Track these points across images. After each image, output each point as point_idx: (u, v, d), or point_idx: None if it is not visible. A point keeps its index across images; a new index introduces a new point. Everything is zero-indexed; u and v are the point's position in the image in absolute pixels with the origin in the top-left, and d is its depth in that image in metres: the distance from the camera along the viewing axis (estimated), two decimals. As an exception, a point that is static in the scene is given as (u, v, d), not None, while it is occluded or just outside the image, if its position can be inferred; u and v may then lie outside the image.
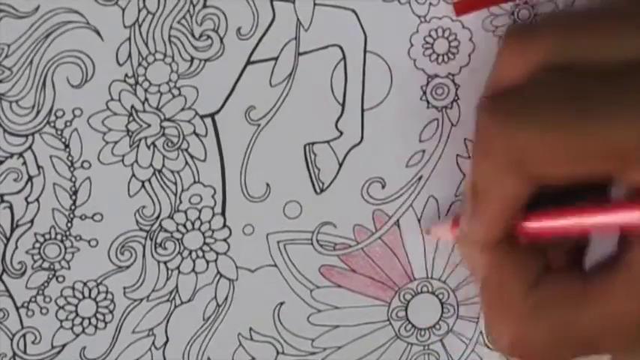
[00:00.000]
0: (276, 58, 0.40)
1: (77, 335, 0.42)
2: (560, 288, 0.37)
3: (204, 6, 0.39)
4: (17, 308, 0.40)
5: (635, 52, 0.35)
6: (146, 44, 0.39)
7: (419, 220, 0.43)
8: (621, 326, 0.36)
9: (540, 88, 0.35)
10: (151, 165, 0.40)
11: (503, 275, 0.38)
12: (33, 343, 0.41)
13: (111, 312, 0.42)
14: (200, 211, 0.41)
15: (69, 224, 0.40)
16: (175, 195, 0.41)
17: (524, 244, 0.38)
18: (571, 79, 0.35)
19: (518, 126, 0.34)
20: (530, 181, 0.36)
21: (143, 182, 0.41)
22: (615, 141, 0.33)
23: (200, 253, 0.42)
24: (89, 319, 0.42)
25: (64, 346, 0.42)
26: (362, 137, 0.42)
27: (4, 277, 0.40)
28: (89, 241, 0.41)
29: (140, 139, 0.40)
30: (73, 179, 0.40)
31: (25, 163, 0.39)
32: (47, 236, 0.40)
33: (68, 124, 0.39)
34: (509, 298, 0.38)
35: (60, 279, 0.41)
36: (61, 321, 0.41)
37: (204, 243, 0.42)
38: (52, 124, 0.39)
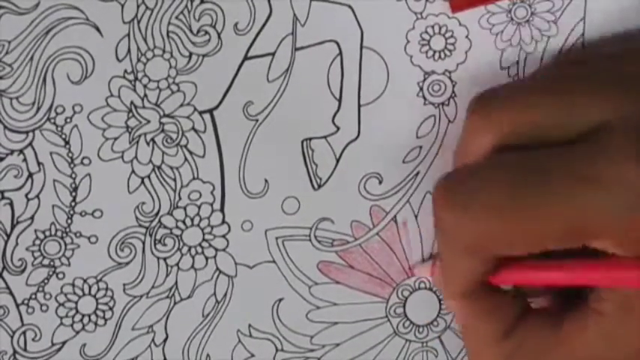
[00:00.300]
0: (273, 54, 0.40)
1: (77, 332, 0.42)
2: (534, 336, 0.38)
3: (202, 1, 0.39)
4: (17, 305, 0.40)
5: (587, 119, 0.35)
6: (145, 40, 0.39)
7: (416, 217, 0.44)
8: None
9: (492, 169, 0.36)
10: (150, 161, 0.40)
11: (478, 323, 0.39)
12: (33, 340, 0.41)
13: (111, 309, 0.42)
14: (199, 207, 0.42)
15: (69, 221, 0.40)
16: (174, 191, 0.41)
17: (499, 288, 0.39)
18: (521, 158, 0.35)
19: (469, 215, 0.35)
20: (490, 260, 0.37)
21: (143, 178, 0.41)
22: (567, 218, 0.34)
23: (199, 250, 0.42)
24: (89, 316, 0.42)
25: (64, 343, 0.42)
26: (359, 132, 0.42)
27: (5, 274, 0.40)
28: (89, 238, 0.41)
29: (140, 136, 0.40)
30: (73, 176, 0.40)
31: (25, 159, 0.39)
32: (47, 233, 0.40)
33: (68, 120, 0.39)
34: (484, 346, 0.39)
35: (60, 276, 0.41)
36: (61, 318, 0.41)
37: (204, 239, 0.42)
38: (53, 121, 0.39)
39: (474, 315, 0.39)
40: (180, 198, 0.41)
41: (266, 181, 0.42)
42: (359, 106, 0.42)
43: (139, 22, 0.39)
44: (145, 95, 0.40)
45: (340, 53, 0.41)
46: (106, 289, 0.41)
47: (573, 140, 0.35)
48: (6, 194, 0.39)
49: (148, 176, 0.41)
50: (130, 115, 0.40)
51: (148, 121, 0.40)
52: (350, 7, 0.40)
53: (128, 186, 0.41)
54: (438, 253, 0.40)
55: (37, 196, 0.40)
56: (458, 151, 0.40)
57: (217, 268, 0.42)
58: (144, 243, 0.41)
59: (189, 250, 0.42)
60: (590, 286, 0.37)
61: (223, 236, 0.42)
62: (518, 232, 0.35)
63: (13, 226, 0.40)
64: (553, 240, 0.35)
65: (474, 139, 0.38)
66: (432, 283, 0.44)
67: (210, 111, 0.40)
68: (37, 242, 0.40)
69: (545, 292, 0.41)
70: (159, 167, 0.41)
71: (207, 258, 0.42)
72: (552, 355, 0.38)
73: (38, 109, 0.39)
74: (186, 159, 0.41)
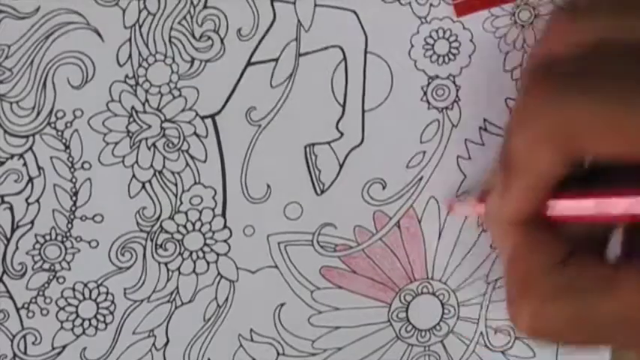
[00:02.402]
0: (276, 59, 0.40)
1: (78, 336, 0.42)
2: (585, 271, 0.36)
3: (205, 7, 0.39)
4: (18, 309, 0.40)
5: None
6: (147, 45, 0.39)
7: (419, 221, 0.44)
8: None
9: (599, 61, 0.33)
10: (151, 166, 0.40)
11: (530, 253, 0.37)
12: (33, 344, 0.41)
13: (111, 313, 0.42)
14: (200, 212, 0.41)
15: (69, 225, 0.40)
16: (176, 196, 0.41)
17: (553, 224, 0.37)
18: (629, 57, 0.32)
19: (572, 96, 0.32)
20: (570, 158, 0.34)
21: (144, 183, 0.41)
22: None
23: (200, 254, 0.42)
24: (90, 320, 0.41)
25: (64, 347, 0.41)
26: (362, 138, 0.42)
27: (5, 278, 0.40)
28: (90, 242, 0.41)
29: (141, 140, 0.40)
30: (74, 180, 0.40)
31: (25, 164, 0.39)
32: (47, 237, 0.40)
33: (69, 125, 0.39)
34: (533, 276, 0.36)
35: (60, 280, 0.41)
36: (62, 322, 0.41)
37: (205, 244, 0.42)
38: (53, 125, 0.39)
39: (526, 244, 0.37)
40: (181, 203, 0.41)
41: (268, 186, 0.42)
42: (363, 111, 0.42)
43: (140, 27, 0.39)
44: (147, 100, 0.39)
45: (344, 59, 0.41)
46: (107, 293, 0.41)
47: None
48: (6, 198, 0.39)
49: (149, 181, 0.41)
50: (131, 119, 0.40)
51: (149, 126, 0.40)
52: (354, 12, 0.40)
53: (129, 190, 0.40)
54: (504, 159, 0.36)
55: (38, 201, 0.40)
56: (537, 53, 0.37)
57: (219, 273, 0.42)
58: (145, 247, 0.41)
59: (190, 254, 0.42)
60: None
61: (225, 241, 0.42)
62: (619, 123, 0.32)
63: (13, 231, 0.40)
64: None
65: (564, 39, 0.34)
66: (479, 218, 0.43)
67: (213, 116, 0.40)
68: (38, 246, 0.40)
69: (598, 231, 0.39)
70: (160, 172, 0.40)
71: (208, 263, 0.42)
72: (602, 296, 0.36)
73: (38, 113, 0.39)
74: (187, 164, 0.41)
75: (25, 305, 0.41)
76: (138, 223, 0.41)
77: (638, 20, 0.33)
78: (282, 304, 0.43)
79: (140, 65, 0.39)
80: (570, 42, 0.34)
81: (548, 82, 0.33)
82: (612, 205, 0.35)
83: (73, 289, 0.41)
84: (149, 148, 0.40)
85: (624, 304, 0.35)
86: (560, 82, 0.32)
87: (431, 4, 0.41)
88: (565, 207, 0.36)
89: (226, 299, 0.43)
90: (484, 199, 0.40)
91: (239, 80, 0.40)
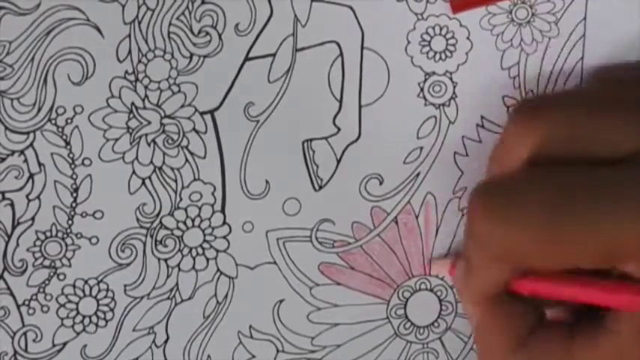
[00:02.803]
0: (273, 55, 0.40)
1: (78, 333, 0.42)
2: (547, 348, 0.38)
3: (203, 2, 0.39)
4: (18, 306, 0.41)
5: (628, 146, 0.35)
6: (146, 41, 0.39)
7: (416, 217, 0.44)
8: None
9: (532, 184, 0.35)
10: (151, 162, 0.41)
11: (494, 329, 0.39)
12: (34, 341, 0.41)
13: (111, 310, 0.42)
14: (200, 208, 0.42)
15: (70, 222, 0.40)
16: (175, 192, 0.41)
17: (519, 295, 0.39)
18: (562, 175, 0.35)
19: (505, 227, 0.35)
20: (517, 269, 0.37)
21: (143, 179, 0.41)
22: (602, 242, 0.34)
23: (200, 251, 0.42)
24: (90, 317, 0.42)
25: (65, 344, 0.42)
26: (359, 134, 0.42)
27: (5, 275, 0.40)
28: (90, 239, 0.41)
29: (140, 137, 0.40)
30: (74, 176, 0.40)
31: (26, 160, 0.39)
32: (48, 234, 0.40)
33: (69, 121, 0.39)
34: (497, 353, 0.39)
35: (61, 277, 0.41)
36: (62, 319, 0.41)
37: (204, 240, 0.42)
38: (53, 122, 0.39)
39: (491, 321, 0.39)
40: (181, 199, 0.41)
41: (267, 182, 0.42)
42: (360, 107, 0.42)
43: (139, 22, 0.39)
44: (146, 96, 0.40)
45: (341, 54, 0.41)
46: (107, 290, 0.41)
47: (612, 160, 0.35)
48: (7, 195, 0.39)
49: (149, 177, 0.41)
50: (131, 115, 0.40)
51: (149, 122, 0.40)
52: (350, 7, 0.40)
53: (129, 187, 0.41)
54: (463, 254, 0.40)
55: (38, 197, 0.40)
56: (493, 157, 0.40)
57: (218, 269, 0.42)
58: (145, 244, 0.41)
59: (190, 251, 0.42)
60: (607, 308, 0.37)
61: (224, 237, 0.42)
62: (552, 249, 0.35)
63: (14, 227, 0.40)
64: (586, 260, 0.35)
65: (511, 148, 0.38)
66: (451, 282, 0.44)
67: (211, 112, 0.41)
68: (38, 243, 0.40)
69: (562, 304, 0.41)
70: (160, 168, 0.41)
71: (208, 259, 0.42)
72: None
73: (39, 109, 0.39)
74: (187, 160, 0.41)
75: (26, 302, 0.41)
76: (138, 220, 0.41)
77: (580, 130, 0.36)
78: (281, 301, 0.43)
79: (140, 61, 0.39)
80: (519, 147, 0.37)
81: (485, 210, 0.36)
82: (560, 291, 0.38)
83: (74, 286, 0.41)
84: (149, 145, 0.40)
85: None
86: (495, 210, 0.36)
87: (427, 1, 0.41)
88: (525, 286, 0.38)
89: (226, 296, 0.43)
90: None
91: (237, 75, 0.40)
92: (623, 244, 0.34)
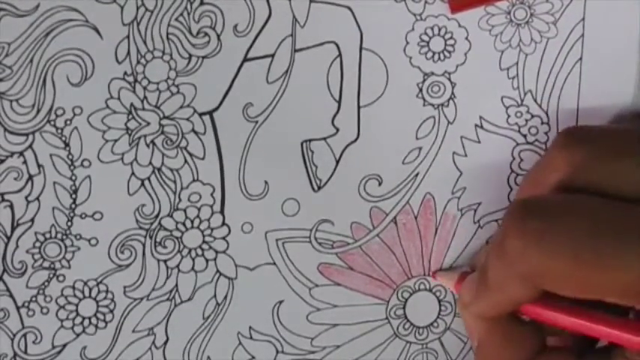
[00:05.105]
0: (272, 55, 0.40)
1: (78, 335, 0.42)
2: None
3: (201, 3, 0.39)
4: (18, 308, 0.40)
5: None
6: (144, 42, 0.39)
7: (415, 217, 0.44)
8: None
9: (573, 209, 0.35)
10: (150, 163, 0.41)
11: (498, 348, 0.39)
12: (34, 342, 0.41)
13: (111, 311, 0.42)
14: (199, 209, 0.42)
15: (69, 223, 0.40)
16: (175, 193, 0.41)
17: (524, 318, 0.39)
18: (604, 206, 0.35)
19: (541, 245, 0.35)
20: (539, 293, 0.37)
21: (143, 181, 0.41)
22: (633, 280, 0.34)
23: (199, 252, 0.42)
24: (90, 318, 0.42)
25: (64, 345, 0.42)
26: (358, 134, 0.42)
27: (5, 276, 0.40)
28: (89, 240, 0.41)
29: (139, 138, 0.40)
30: (74, 178, 0.40)
31: (25, 162, 0.39)
32: (47, 235, 0.40)
33: (68, 122, 0.39)
34: None
35: (60, 278, 0.41)
36: (62, 320, 0.41)
37: (204, 241, 0.42)
38: (53, 123, 0.39)
39: (495, 339, 0.39)
40: (180, 200, 0.41)
41: (266, 182, 0.42)
42: (358, 107, 0.42)
43: (138, 23, 0.39)
44: (145, 97, 0.40)
45: (340, 55, 0.41)
46: (107, 291, 0.41)
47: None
48: (6, 197, 0.39)
49: (148, 178, 0.41)
50: (130, 117, 0.40)
51: (148, 123, 0.40)
52: (349, 8, 0.40)
53: (128, 188, 0.41)
54: (479, 268, 0.40)
55: (37, 199, 0.40)
56: (529, 176, 0.41)
57: (217, 270, 0.42)
58: (144, 245, 0.41)
59: (189, 252, 0.42)
60: (615, 344, 0.37)
61: (223, 238, 0.42)
62: (584, 277, 0.34)
63: (13, 229, 0.40)
64: (612, 294, 0.35)
65: (546, 172, 0.38)
66: (456, 295, 0.44)
67: (210, 113, 0.41)
68: (38, 245, 0.40)
69: (564, 333, 0.41)
70: (159, 169, 0.41)
71: (207, 260, 0.42)
72: None
73: (38, 111, 0.39)
74: (186, 161, 0.41)
75: (26, 304, 0.41)
76: (137, 221, 0.41)
77: (611, 165, 0.36)
78: (280, 302, 0.43)
79: (138, 62, 0.39)
80: (551, 178, 0.38)
81: (521, 232, 0.36)
82: (562, 320, 0.38)
83: (73, 288, 0.41)
84: (148, 146, 0.40)
85: None
86: (531, 233, 0.35)
87: (426, 2, 0.41)
88: (533, 310, 0.38)
89: (225, 297, 0.43)
90: (463, 278, 0.42)
91: (236, 76, 0.40)
92: None
